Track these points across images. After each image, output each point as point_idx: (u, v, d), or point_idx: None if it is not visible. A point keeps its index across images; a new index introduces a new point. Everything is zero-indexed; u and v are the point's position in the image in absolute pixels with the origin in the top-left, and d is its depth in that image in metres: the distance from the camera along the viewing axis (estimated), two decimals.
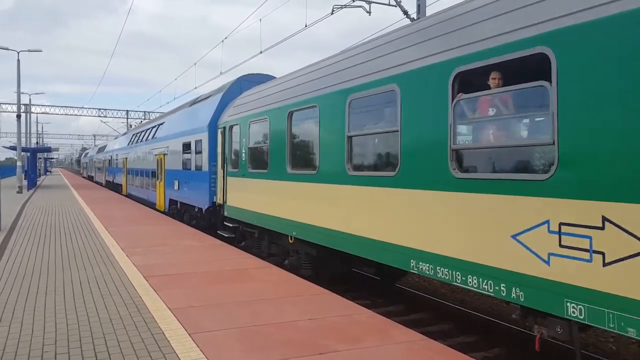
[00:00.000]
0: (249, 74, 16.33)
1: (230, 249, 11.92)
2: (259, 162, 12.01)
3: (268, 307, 7.03)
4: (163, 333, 5.95)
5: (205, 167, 16.08)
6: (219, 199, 15.04)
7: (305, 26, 17.35)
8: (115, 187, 39.80)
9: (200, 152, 16.72)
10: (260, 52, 21.65)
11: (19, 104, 37.51)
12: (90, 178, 67.25)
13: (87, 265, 9.90)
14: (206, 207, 15.90)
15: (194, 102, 20.44)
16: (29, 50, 37.81)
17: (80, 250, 11.56)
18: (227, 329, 6.07)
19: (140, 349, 5.45)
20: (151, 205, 24.47)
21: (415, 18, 13.85)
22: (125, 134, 44.95)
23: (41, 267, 9.73)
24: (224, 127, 14.44)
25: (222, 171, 14.67)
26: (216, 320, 6.43)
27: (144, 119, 63.35)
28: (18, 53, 36.51)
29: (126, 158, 33.99)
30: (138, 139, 30.72)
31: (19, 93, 37.25)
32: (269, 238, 12.07)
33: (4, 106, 57.63)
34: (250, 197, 12.29)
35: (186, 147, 18.62)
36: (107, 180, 46.41)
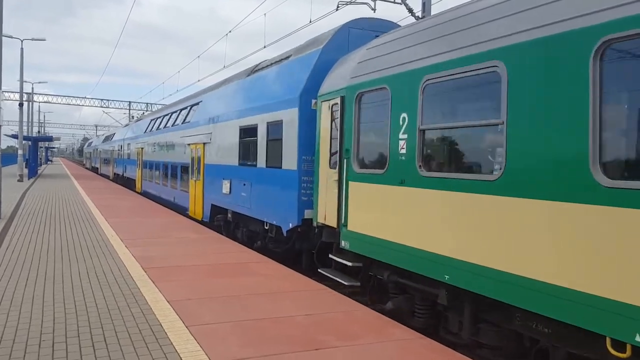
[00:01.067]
0: (359, 19, 10.98)
1: (231, 242, 11.93)
2: (461, 157, 6.52)
3: (266, 301, 7.05)
4: (160, 325, 5.97)
5: (291, 164, 10.63)
6: (321, 217, 9.25)
7: (310, 22, 17.29)
8: (127, 183, 33.80)
9: (279, 140, 11.22)
10: (264, 47, 21.60)
11: (21, 92, 37.51)
12: (95, 170, 60.70)
13: (86, 256, 9.92)
14: (291, 225, 10.46)
15: (255, 70, 14.56)
16: (32, 39, 37.88)
17: (80, 241, 11.58)
18: (225, 322, 6.09)
19: (138, 340, 5.47)
20: (181, 210, 18.77)
21: (420, 16, 13.79)
22: (139, 119, 37.66)
23: (40, 256, 9.75)
24: (342, 97, 8.65)
25: (331, 171, 8.94)
26: (214, 313, 6.45)
27: (146, 110, 63.35)
28: (22, 41, 36.53)
29: (142, 148, 27.82)
30: (160, 125, 24.77)
31: (21, 81, 37.27)
32: (477, 311, 6.23)
33: (6, 94, 57.59)
34: (428, 225, 6.55)
35: (247, 133, 13.11)
36: (115, 174, 40.14)
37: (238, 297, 7.23)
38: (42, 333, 5.62)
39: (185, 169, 18.81)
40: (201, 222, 15.93)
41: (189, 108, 20.26)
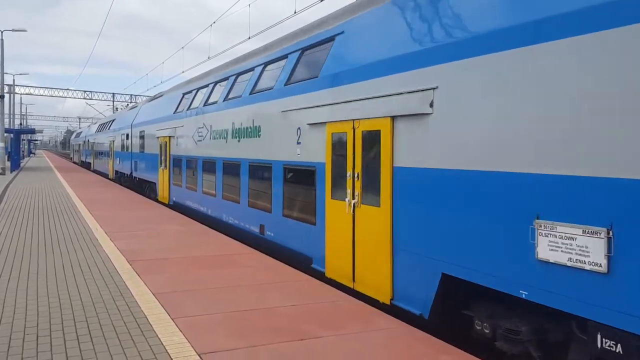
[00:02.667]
0: None
1: (216, 234, 11.91)
2: None
3: (251, 292, 7.07)
4: (146, 317, 5.97)
5: None
6: None
7: (295, 13, 17.21)
8: (139, 186, 24.58)
9: None
10: (249, 38, 21.46)
11: (2, 84, 36.91)
12: (86, 165, 50.47)
13: (71, 249, 9.85)
14: None
15: None
16: (12, 30, 37.25)
17: (64, 234, 11.48)
18: (210, 314, 6.10)
19: (123, 333, 5.46)
20: (290, 258, 9.69)
21: None
22: (156, 96, 25.03)
23: (23, 250, 9.66)
24: None
25: None
26: (199, 305, 6.46)
27: (130, 101, 62.76)
28: (2, 32, 35.91)
29: (170, 137, 18.50)
30: (209, 99, 14.99)
31: (2, 73, 36.66)
32: None
33: None
34: None
35: None
36: (117, 172, 30.64)
37: (224, 288, 7.24)
38: (26, 327, 5.59)
39: (296, 174, 9.55)
40: (390, 311, 6.83)
41: (296, 55, 10.22)
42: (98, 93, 66.24)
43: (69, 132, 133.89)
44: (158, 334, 5.45)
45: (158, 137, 19.99)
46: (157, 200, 19.59)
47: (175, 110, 18.50)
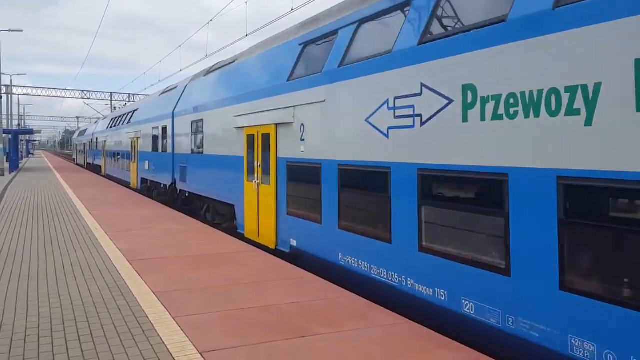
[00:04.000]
0: None
1: (216, 232, 11.92)
2: None
3: (252, 290, 7.09)
4: (147, 317, 5.98)
5: None
6: None
7: (292, 10, 17.18)
8: (187, 203, 17.43)
9: None
10: (247, 35, 21.42)
11: None
12: (95, 169, 42.59)
13: (71, 249, 9.86)
14: None
15: None
16: (9, 30, 37.15)
17: (64, 234, 11.50)
18: (211, 313, 6.12)
19: (124, 332, 5.48)
20: None
21: None
22: (215, 68, 16.09)
23: (24, 251, 9.67)
24: None
25: None
26: (200, 303, 6.48)
27: (129, 101, 62.66)
28: None
29: (277, 126, 10.47)
30: (428, 28, 6.48)
31: None
32: None
33: None
34: None
35: None
36: (145, 180, 22.84)
37: (224, 287, 7.26)
38: (27, 328, 5.60)
39: None
40: None
41: None
42: (96, 92, 66.11)
43: (68, 132, 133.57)
44: (159, 333, 5.46)
45: (242, 128, 12.19)
46: (237, 236, 11.97)
47: (291, 76, 10.28)
